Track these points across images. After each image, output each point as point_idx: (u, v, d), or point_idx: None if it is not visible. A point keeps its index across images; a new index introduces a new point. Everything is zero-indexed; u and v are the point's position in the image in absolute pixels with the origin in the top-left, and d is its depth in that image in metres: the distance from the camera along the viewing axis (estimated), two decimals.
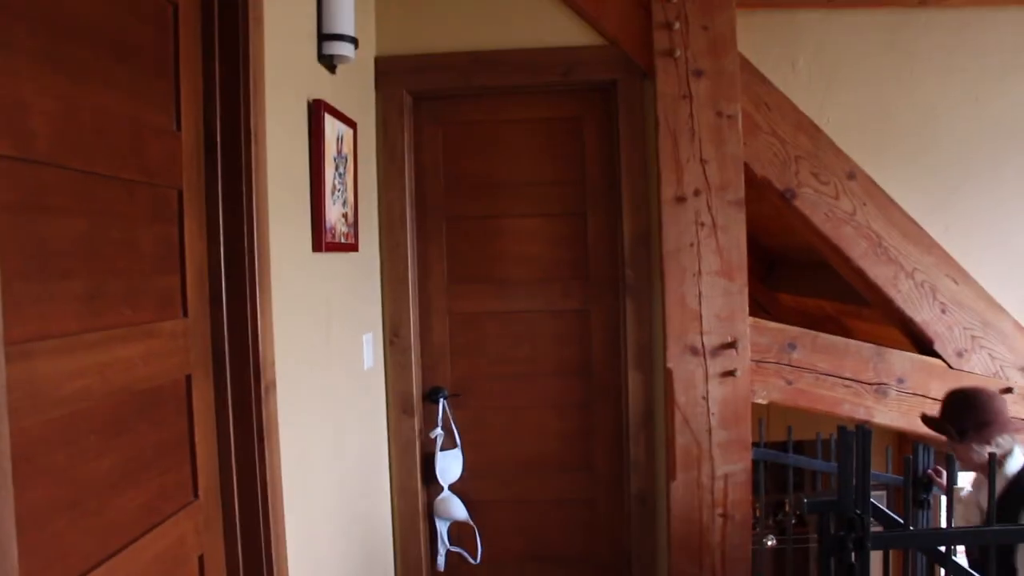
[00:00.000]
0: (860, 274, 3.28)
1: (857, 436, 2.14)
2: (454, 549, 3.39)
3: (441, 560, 3.37)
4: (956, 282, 3.26)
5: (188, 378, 1.71)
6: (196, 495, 1.73)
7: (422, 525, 3.37)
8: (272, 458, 1.89)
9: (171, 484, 1.63)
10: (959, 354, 3.26)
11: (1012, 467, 2.75)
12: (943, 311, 3.25)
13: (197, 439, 1.73)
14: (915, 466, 2.35)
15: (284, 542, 1.94)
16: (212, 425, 1.82)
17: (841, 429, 2.19)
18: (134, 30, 1.54)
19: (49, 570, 1.21)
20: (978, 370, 3.26)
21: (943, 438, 2.87)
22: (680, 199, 3.06)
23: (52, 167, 1.25)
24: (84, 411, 1.32)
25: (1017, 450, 2.77)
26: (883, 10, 3.26)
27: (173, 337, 1.65)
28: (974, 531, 2.60)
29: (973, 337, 3.25)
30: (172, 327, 1.65)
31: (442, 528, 3.35)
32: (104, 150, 1.40)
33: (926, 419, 2.91)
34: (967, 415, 2.77)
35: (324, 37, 2.46)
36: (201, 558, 1.73)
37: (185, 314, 1.71)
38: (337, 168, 2.52)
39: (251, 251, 1.84)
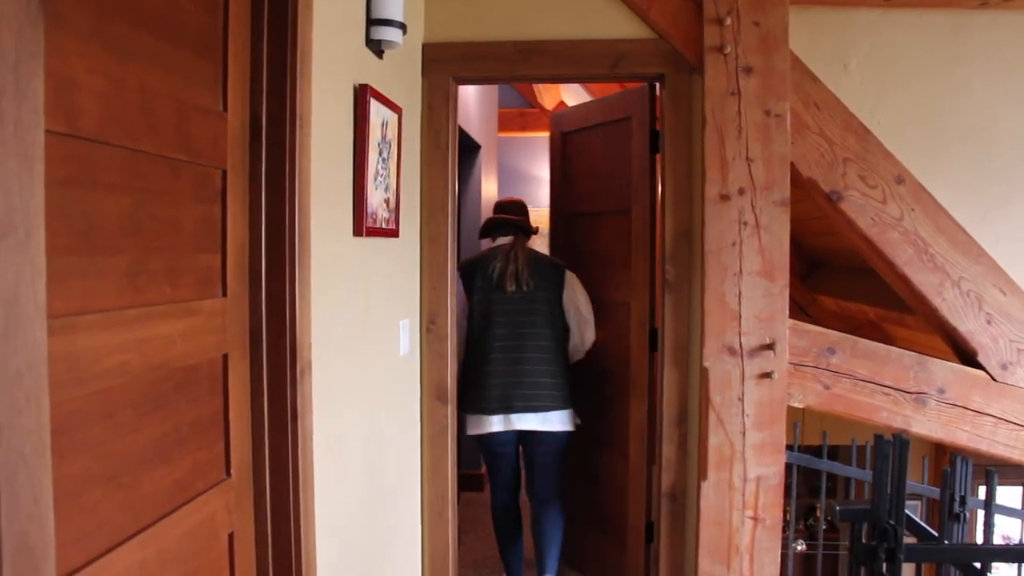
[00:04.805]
0: (905, 281, 3.21)
1: (894, 445, 2.10)
2: None
3: None
4: (1004, 293, 3.18)
5: (225, 357, 1.72)
6: (228, 473, 1.74)
7: (451, 512, 3.39)
8: (304, 440, 1.90)
9: (204, 462, 1.65)
10: (1004, 367, 3.18)
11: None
12: (989, 322, 3.18)
13: (231, 418, 1.75)
14: (953, 479, 2.30)
15: (313, 523, 1.96)
16: (246, 405, 1.83)
17: (878, 438, 2.15)
18: (185, 11, 1.55)
19: (83, 541, 1.23)
20: (1023, 384, 3.19)
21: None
22: (724, 197, 3.03)
23: (99, 144, 1.26)
24: (122, 386, 1.34)
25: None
26: (942, 11, 3.18)
27: (211, 316, 1.66)
28: (1010, 548, 2.54)
29: (1019, 350, 3.17)
30: (211, 306, 1.66)
31: None
32: (151, 129, 1.41)
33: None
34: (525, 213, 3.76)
35: (373, 22, 2.46)
36: (231, 536, 1.75)
37: (224, 294, 1.72)
38: (381, 153, 2.52)
39: (292, 233, 1.85)
